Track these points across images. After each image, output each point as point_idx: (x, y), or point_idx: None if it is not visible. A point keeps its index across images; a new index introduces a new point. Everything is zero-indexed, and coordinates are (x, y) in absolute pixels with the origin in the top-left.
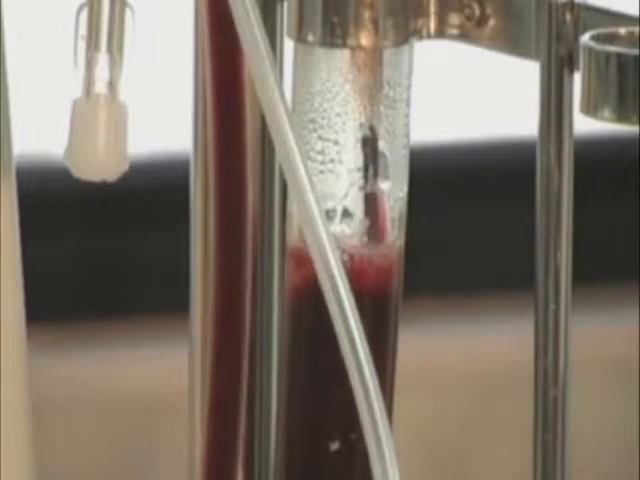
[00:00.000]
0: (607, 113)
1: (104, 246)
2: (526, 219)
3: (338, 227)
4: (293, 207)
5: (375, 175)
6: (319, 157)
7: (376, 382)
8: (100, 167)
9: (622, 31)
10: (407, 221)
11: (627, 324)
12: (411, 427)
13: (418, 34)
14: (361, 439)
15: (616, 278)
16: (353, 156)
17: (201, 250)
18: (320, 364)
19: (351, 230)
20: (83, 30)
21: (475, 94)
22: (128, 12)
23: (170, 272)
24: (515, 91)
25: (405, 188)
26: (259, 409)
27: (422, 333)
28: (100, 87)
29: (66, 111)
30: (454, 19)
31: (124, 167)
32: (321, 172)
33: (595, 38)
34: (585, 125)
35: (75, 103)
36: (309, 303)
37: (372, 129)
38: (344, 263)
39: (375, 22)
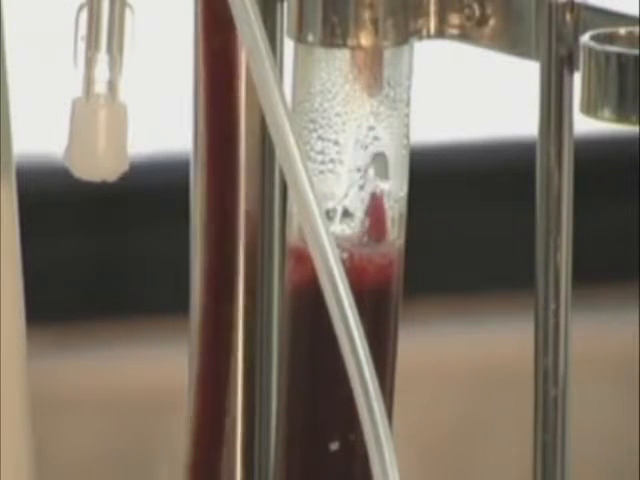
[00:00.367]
0: (607, 113)
1: (104, 246)
2: (526, 219)
3: (338, 227)
4: (293, 207)
5: (375, 175)
6: (319, 157)
7: (376, 382)
8: (100, 167)
9: (622, 31)
10: (407, 221)
11: (627, 324)
12: (411, 427)
13: (418, 34)
14: (361, 439)
15: (616, 278)
16: (353, 156)
17: (201, 250)
18: (320, 364)
19: (351, 230)
20: (83, 30)
21: (475, 94)
22: (128, 12)
23: (170, 272)
24: (515, 91)
25: (405, 188)
26: (259, 409)
27: (422, 333)
28: (100, 87)
29: (66, 111)
30: (454, 19)
31: (124, 167)
32: (321, 172)
33: (595, 38)
34: (585, 125)
35: (75, 103)
36: (309, 303)
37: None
38: (344, 263)
39: (375, 22)
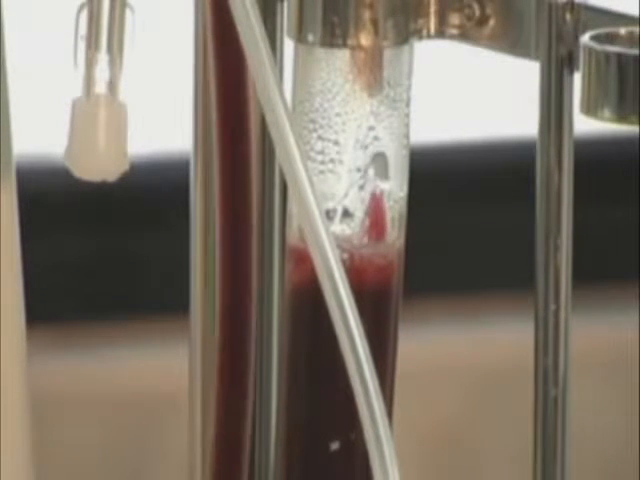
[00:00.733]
0: (607, 113)
1: (104, 246)
2: (526, 219)
3: (338, 227)
4: (293, 207)
5: (375, 175)
6: (319, 157)
7: (376, 382)
8: (100, 167)
9: (622, 31)
10: (407, 221)
11: (627, 324)
12: (411, 427)
13: (418, 34)
14: (361, 439)
15: (616, 278)
16: (353, 156)
17: (201, 250)
18: (320, 364)
19: (351, 230)
20: (83, 30)
21: (475, 94)
22: (128, 12)
23: (170, 272)
24: (515, 91)
25: (405, 188)
26: (259, 409)
27: (422, 333)
28: (100, 87)
29: (66, 111)
30: (454, 19)
31: (124, 167)
32: (321, 172)
33: (595, 38)
34: (585, 125)
35: (75, 103)
36: (309, 303)
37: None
38: (344, 263)
39: (375, 22)
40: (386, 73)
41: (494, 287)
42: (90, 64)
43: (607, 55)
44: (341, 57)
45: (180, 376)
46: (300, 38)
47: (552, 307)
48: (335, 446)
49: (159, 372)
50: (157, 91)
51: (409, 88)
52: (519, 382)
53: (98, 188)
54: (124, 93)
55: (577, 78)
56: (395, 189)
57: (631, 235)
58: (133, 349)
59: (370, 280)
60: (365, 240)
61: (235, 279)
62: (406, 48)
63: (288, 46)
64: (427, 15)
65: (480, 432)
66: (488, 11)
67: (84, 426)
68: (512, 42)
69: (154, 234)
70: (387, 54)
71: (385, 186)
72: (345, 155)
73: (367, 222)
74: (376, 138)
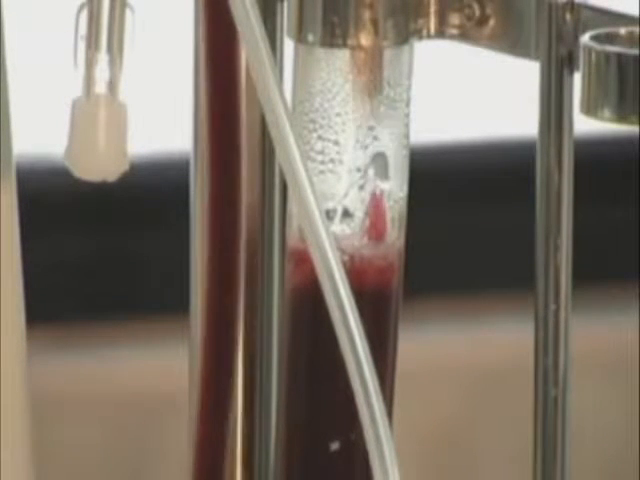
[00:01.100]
0: (607, 113)
1: (104, 246)
2: (526, 219)
3: (338, 227)
4: (293, 207)
5: (375, 175)
6: (319, 157)
7: (376, 382)
8: (100, 167)
9: (622, 31)
10: (407, 221)
11: (627, 324)
12: (411, 427)
13: (418, 34)
14: (361, 439)
15: (616, 278)
16: (353, 156)
17: (201, 250)
18: (320, 364)
19: (351, 230)
20: (83, 30)
21: (475, 94)
22: (128, 12)
23: (170, 272)
24: (515, 91)
25: (405, 188)
26: (259, 409)
27: (422, 333)
28: (100, 87)
29: (66, 111)
30: (454, 19)
31: (124, 167)
32: (321, 172)
33: (595, 38)
34: (585, 125)
35: (75, 103)
36: (309, 303)
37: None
38: (344, 263)
39: (375, 22)
40: (386, 73)
41: (494, 287)
42: (90, 64)
43: (607, 55)
44: (341, 57)
45: (180, 376)
46: (300, 38)
47: (552, 307)
48: (335, 446)
49: (159, 372)
50: (157, 91)
51: (409, 88)
52: (519, 382)
53: (98, 188)
54: (124, 93)
55: (577, 78)
56: (395, 189)
57: (631, 235)
58: (133, 349)
59: (370, 280)
60: (365, 240)
61: (220, 278)
62: (406, 48)
63: (288, 46)
64: (427, 15)
65: (480, 432)
66: (488, 11)
67: (84, 426)
68: (512, 42)
69: (154, 234)
70: (387, 54)
71: (385, 186)
72: (345, 155)
73: (367, 222)
74: (376, 138)
